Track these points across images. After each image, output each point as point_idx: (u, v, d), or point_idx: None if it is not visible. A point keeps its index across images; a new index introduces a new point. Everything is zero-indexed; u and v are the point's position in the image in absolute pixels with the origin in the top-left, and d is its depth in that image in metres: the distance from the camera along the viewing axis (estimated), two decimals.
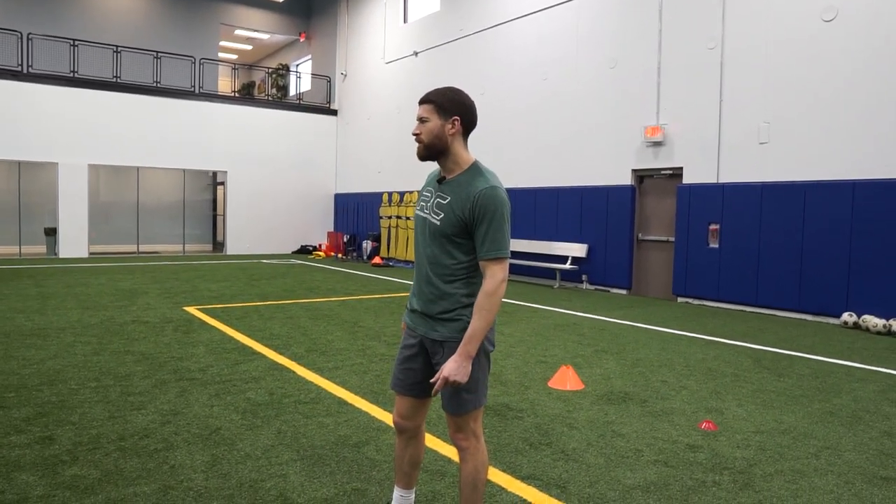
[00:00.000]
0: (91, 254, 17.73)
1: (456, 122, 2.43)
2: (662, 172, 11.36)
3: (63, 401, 4.52)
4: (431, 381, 2.41)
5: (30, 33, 17.16)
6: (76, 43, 17.64)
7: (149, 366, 5.58)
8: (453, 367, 2.33)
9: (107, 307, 8.78)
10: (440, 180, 2.51)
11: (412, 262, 15.61)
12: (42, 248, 17.85)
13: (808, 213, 9.17)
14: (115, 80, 18.00)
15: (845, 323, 8.58)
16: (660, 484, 3.36)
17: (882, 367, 6.22)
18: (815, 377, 5.73)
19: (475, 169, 2.45)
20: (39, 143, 16.58)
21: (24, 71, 16.71)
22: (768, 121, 9.69)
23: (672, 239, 11.18)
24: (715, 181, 10.40)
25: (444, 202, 2.43)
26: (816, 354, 6.73)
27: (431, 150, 2.45)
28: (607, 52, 12.12)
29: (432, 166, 2.59)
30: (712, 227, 10.39)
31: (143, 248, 19.75)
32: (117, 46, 18.26)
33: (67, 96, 16.91)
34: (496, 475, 3.42)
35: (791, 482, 3.42)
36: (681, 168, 10.97)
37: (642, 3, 11.47)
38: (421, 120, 2.45)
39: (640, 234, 11.84)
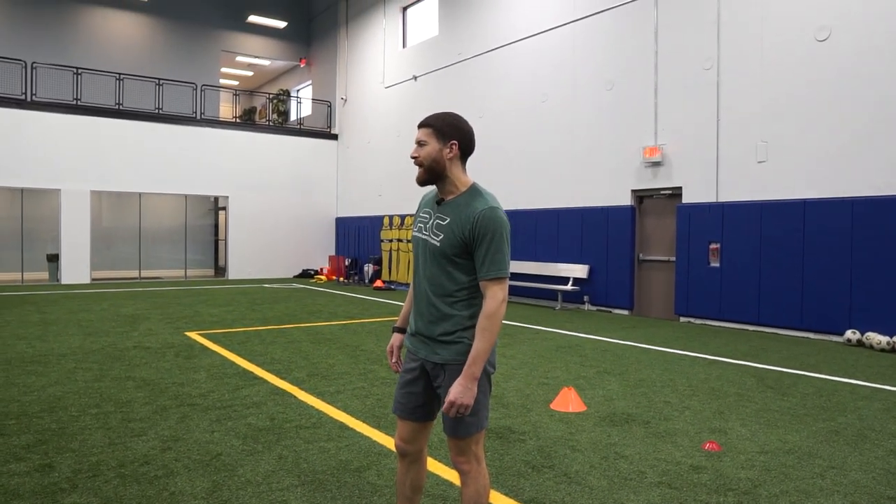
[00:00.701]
0: (93, 280, 17.75)
1: (454, 147, 2.45)
2: (662, 192, 11.40)
3: (63, 428, 4.50)
4: (443, 410, 2.40)
5: (34, 62, 17.36)
6: (79, 71, 17.84)
7: (150, 392, 5.56)
8: (459, 391, 2.32)
9: (108, 333, 8.77)
10: (439, 202, 2.52)
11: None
12: (44, 275, 17.88)
13: (808, 231, 9.19)
14: (117, 107, 18.18)
15: (849, 340, 8.55)
16: None
17: (887, 384, 6.19)
18: (819, 396, 5.70)
19: (474, 190, 2.47)
20: (42, 169, 16.70)
21: (28, 99, 16.89)
22: (766, 140, 9.75)
23: (673, 259, 11.18)
24: (714, 200, 10.43)
25: (444, 223, 2.44)
26: (820, 373, 6.69)
27: (430, 173, 2.48)
28: (604, 73, 12.24)
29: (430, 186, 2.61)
30: (713, 246, 10.40)
31: (145, 273, 19.77)
32: (120, 74, 18.48)
33: (70, 124, 17.07)
34: (498, 499, 3.39)
35: (796, 502, 3.39)
36: (680, 188, 11.01)
37: (638, 25, 11.61)
38: (419, 143, 2.48)
39: (640, 255, 11.85)
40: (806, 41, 9.27)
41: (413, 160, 2.49)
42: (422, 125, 2.50)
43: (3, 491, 3.40)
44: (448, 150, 2.45)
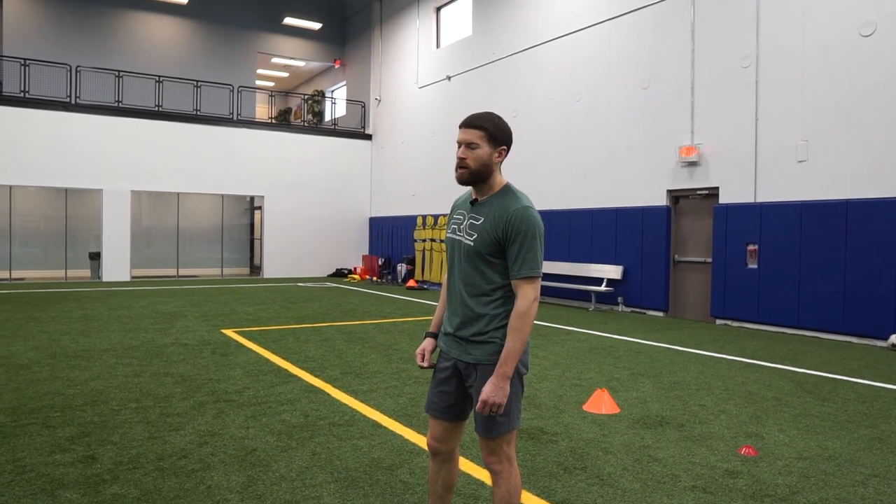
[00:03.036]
0: (133, 277, 18.19)
1: (503, 152, 2.47)
2: (698, 193, 11.23)
3: (105, 421, 4.63)
4: (476, 409, 2.40)
5: (78, 66, 17.87)
6: (121, 74, 18.30)
7: (187, 387, 5.68)
8: (491, 389, 2.33)
9: (147, 330, 8.98)
10: (472, 202, 2.53)
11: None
12: (87, 272, 18.38)
13: (851, 232, 8.95)
14: (156, 108, 18.59)
15: (893, 345, 8.30)
16: None
17: None
18: (861, 402, 5.55)
19: (507, 190, 2.47)
20: (85, 170, 17.18)
21: (73, 102, 17.38)
22: (806, 138, 9.53)
23: (709, 260, 11.00)
24: (752, 201, 10.23)
25: (478, 223, 2.45)
26: (862, 378, 6.52)
27: (476, 176, 2.45)
28: (640, 72, 12.09)
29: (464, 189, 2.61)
30: (750, 247, 10.20)
31: (182, 271, 20.18)
32: (159, 76, 18.89)
33: (112, 125, 17.52)
34: (529, 499, 3.38)
35: None
36: (717, 188, 10.82)
37: (674, 22, 11.45)
38: (469, 145, 2.42)
39: (676, 256, 11.68)
40: (849, 37, 9.03)
41: (459, 161, 2.44)
42: (472, 126, 2.43)
43: (50, 480, 3.51)
44: (497, 156, 2.46)
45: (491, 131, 2.43)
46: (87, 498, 3.30)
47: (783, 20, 9.82)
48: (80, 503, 3.23)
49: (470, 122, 2.44)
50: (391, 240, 20.32)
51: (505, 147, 2.46)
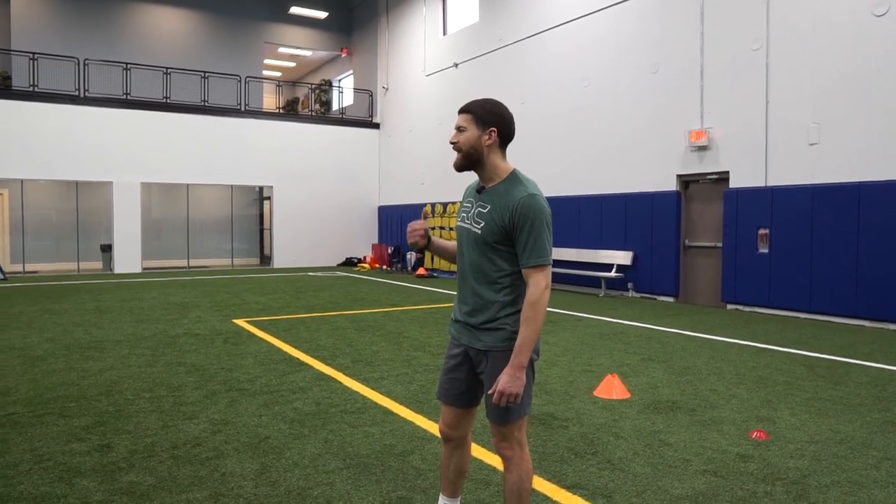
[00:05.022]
0: (144, 269, 18.31)
1: (493, 134, 2.45)
2: (708, 177, 11.15)
3: (119, 410, 4.68)
4: (489, 392, 2.42)
5: (86, 59, 17.91)
6: (128, 66, 18.33)
7: (200, 377, 5.73)
8: (507, 380, 2.33)
9: (159, 320, 9.05)
10: (479, 190, 2.53)
11: (455, 273, 15.58)
12: (98, 264, 18.52)
13: (864, 215, 8.87)
14: (164, 100, 18.62)
15: None
16: (709, 494, 3.29)
17: None
18: (874, 385, 5.53)
19: (514, 177, 2.47)
20: (95, 163, 17.25)
21: (82, 95, 17.44)
22: (818, 121, 9.43)
23: (720, 245, 10.95)
24: (763, 185, 10.15)
25: (485, 211, 2.45)
26: (875, 362, 6.48)
27: (468, 159, 2.49)
28: (649, 56, 11.99)
29: (472, 177, 2.61)
30: (761, 231, 10.13)
31: (193, 262, 20.29)
32: (167, 68, 18.91)
33: (121, 118, 17.57)
34: (541, 484, 3.40)
35: (848, 494, 3.30)
36: (727, 172, 10.75)
37: (683, 5, 11.32)
38: (459, 129, 2.48)
39: (686, 241, 11.62)
40: (862, 17, 8.90)
41: (452, 146, 2.50)
42: (462, 111, 2.50)
43: (67, 469, 3.56)
44: (487, 137, 2.45)
45: (477, 114, 2.45)
46: (103, 486, 3.35)
47: (794, 1, 9.69)
48: (97, 491, 3.28)
49: (461, 108, 2.51)
50: (400, 228, 20.32)
51: (495, 129, 2.44)
